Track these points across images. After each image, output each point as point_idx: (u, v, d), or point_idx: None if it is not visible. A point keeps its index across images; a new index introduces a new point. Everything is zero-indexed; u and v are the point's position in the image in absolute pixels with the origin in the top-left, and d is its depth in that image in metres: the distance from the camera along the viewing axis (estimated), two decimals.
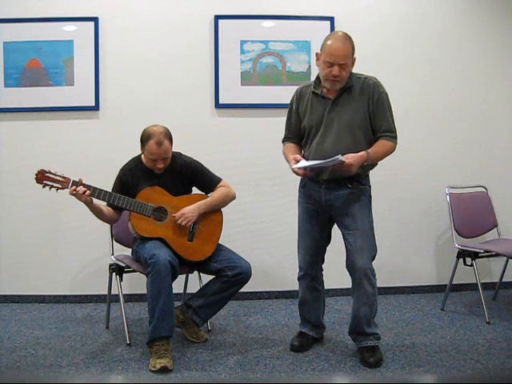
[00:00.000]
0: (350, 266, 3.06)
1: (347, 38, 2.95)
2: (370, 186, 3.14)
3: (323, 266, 3.29)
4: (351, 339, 3.17)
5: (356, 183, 3.05)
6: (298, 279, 3.26)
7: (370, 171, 3.15)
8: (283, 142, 3.24)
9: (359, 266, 3.01)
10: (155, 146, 3.17)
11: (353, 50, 2.96)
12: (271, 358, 3.11)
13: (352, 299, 3.12)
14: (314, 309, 3.26)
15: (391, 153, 3.04)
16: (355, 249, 3.02)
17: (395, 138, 3.03)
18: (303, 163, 2.99)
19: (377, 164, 3.14)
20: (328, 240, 3.23)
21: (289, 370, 2.99)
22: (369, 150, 2.97)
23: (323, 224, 3.16)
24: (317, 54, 3.03)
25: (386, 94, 3.04)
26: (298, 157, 3.04)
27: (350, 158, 2.89)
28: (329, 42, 2.94)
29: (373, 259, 3.06)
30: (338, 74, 2.92)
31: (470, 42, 4.27)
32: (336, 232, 3.31)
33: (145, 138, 3.21)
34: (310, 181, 3.12)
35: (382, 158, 3.05)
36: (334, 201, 3.06)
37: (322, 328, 3.32)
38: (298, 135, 3.17)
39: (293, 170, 3.04)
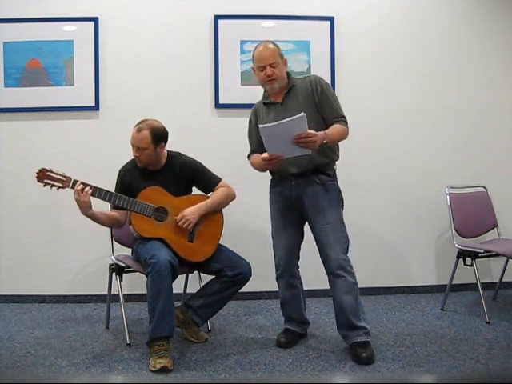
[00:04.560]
0: (325, 260, 3.14)
1: (270, 43, 3.17)
2: (337, 181, 3.21)
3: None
4: (342, 337, 3.17)
5: (324, 177, 3.15)
6: (277, 279, 3.32)
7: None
8: (249, 156, 3.32)
9: (333, 259, 3.09)
10: (135, 130, 3.22)
11: (278, 50, 3.15)
12: (271, 358, 3.11)
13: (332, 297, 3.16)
14: (295, 306, 3.32)
15: (346, 136, 3.13)
16: (328, 243, 3.11)
17: (346, 122, 3.14)
18: (267, 124, 2.95)
19: (338, 157, 3.21)
20: (301, 238, 3.30)
21: (289, 370, 2.98)
22: (326, 131, 3.05)
23: (295, 222, 3.25)
24: (252, 69, 3.23)
25: (327, 84, 3.18)
26: (264, 154, 3.06)
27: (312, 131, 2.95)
28: (255, 51, 3.17)
29: (346, 250, 3.14)
30: (271, 73, 3.10)
31: (469, 41, 4.27)
32: None
33: None
34: (280, 179, 3.22)
35: (339, 140, 3.14)
36: (303, 196, 3.16)
37: (306, 324, 3.39)
38: (260, 148, 3.17)
39: (263, 159, 3.04)
